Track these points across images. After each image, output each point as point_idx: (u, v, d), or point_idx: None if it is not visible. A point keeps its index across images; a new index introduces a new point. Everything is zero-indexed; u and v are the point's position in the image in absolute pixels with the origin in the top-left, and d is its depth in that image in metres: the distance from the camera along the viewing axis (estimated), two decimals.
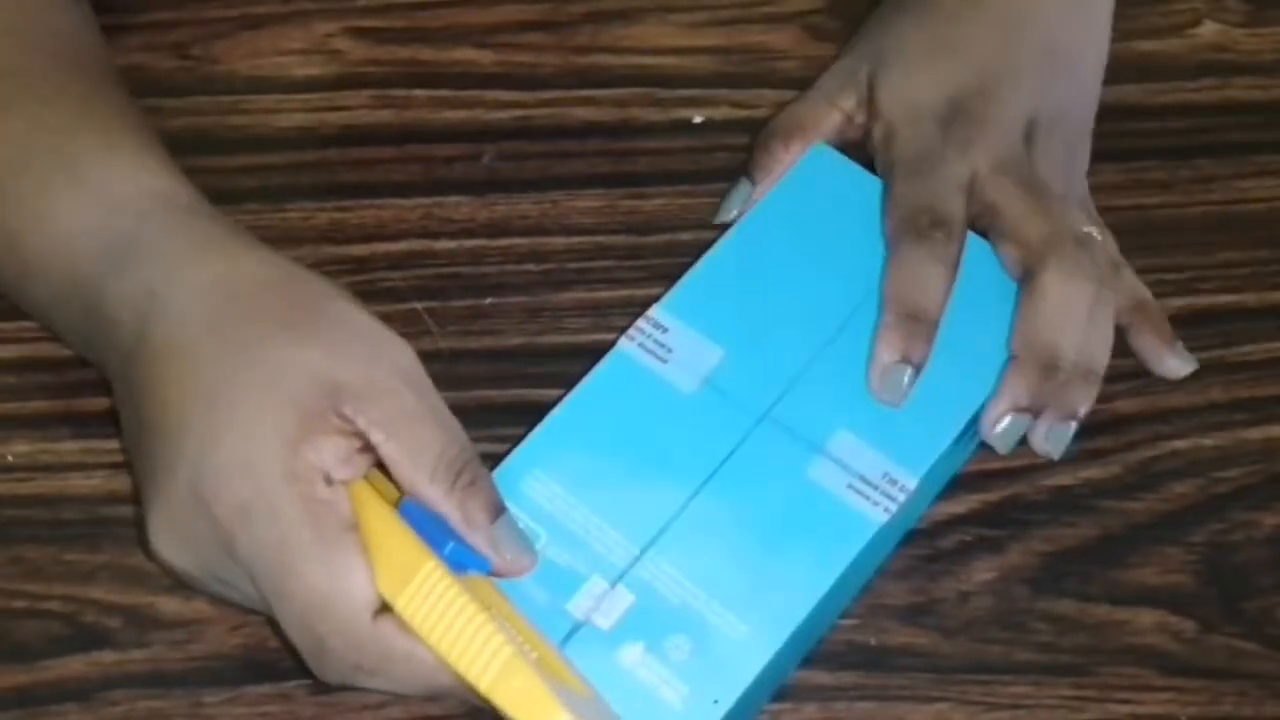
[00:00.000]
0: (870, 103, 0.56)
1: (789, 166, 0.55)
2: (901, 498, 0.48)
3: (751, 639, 0.45)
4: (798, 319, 0.51)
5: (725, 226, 0.55)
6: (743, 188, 0.56)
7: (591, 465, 0.48)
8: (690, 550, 0.47)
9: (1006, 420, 0.50)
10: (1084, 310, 0.51)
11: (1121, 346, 0.57)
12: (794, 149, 0.55)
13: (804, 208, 0.53)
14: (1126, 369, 0.57)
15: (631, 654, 0.45)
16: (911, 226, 0.52)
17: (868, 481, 0.48)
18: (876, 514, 0.48)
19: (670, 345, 0.50)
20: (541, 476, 0.48)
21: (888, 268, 0.51)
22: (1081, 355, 0.51)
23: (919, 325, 0.50)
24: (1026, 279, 0.51)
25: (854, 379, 0.50)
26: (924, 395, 0.50)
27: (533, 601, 0.46)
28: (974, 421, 0.51)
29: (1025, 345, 0.51)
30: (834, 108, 0.56)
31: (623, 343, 0.51)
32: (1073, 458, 0.53)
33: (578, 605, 0.46)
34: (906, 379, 0.50)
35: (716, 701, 0.44)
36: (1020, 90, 0.54)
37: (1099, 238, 0.54)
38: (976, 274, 0.52)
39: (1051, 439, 0.52)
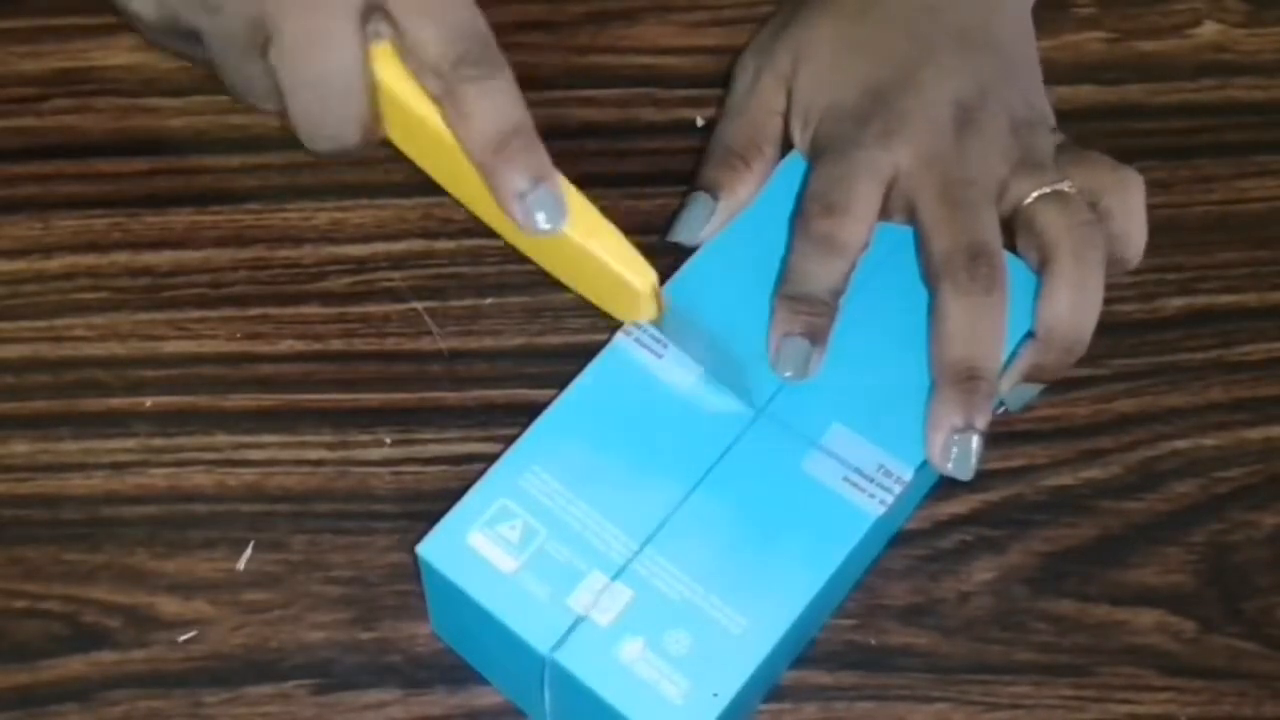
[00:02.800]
0: (789, 103, 0.55)
1: (753, 183, 0.53)
2: (897, 489, 0.48)
3: (750, 632, 0.45)
4: None
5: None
6: (703, 204, 0.52)
7: (588, 460, 0.48)
8: (688, 545, 0.47)
9: (953, 447, 0.48)
10: (988, 321, 0.49)
11: (1118, 347, 0.57)
12: (756, 165, 0.54)
13: (788, 211, 0.53)
14: (1126, 369, 0.57)
15: (631, 649, 0.45)
16: (803, 214, 0.51)
17: (863, 474, 0.48)
18: (872, 506, 0.48)
19: (665, 340, 0.50)
20: (539, 472, 0.48)
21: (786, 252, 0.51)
22: (996, 362, 0.50)
23: (804, 305, 0.49)
24: (930, 294, 0.50)
25: (847, 373, 0.50)
26: (917, 387, 0.50)
27: (533, 596, 0.46)
28: None
29: (940, 368, 0.49)
30: (776, 115, 0.55)
31: (618, 337, 0.51)
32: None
33: (578, 600, 0.46)
34: (802, 352, 0.49)
35: (716, 695, 0.44)
36: (940, 75, 0.53)
37: (1070, 190, 0.51)
38: None
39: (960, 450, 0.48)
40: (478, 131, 0.46)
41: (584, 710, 0.45)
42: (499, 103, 0.46)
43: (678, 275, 0.52)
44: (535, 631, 0.45)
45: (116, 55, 0.63)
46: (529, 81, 0.63)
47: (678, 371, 0.50)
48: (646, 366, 0.50)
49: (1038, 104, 0.55)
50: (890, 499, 0.48)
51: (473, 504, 0.47)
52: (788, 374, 0.49)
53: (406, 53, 0.47)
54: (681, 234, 0.52)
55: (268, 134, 0.61)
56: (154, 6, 0.49)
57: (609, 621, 0.45)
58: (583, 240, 0.48)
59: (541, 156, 0.47)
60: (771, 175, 0.54)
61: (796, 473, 0.48)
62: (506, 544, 0.46)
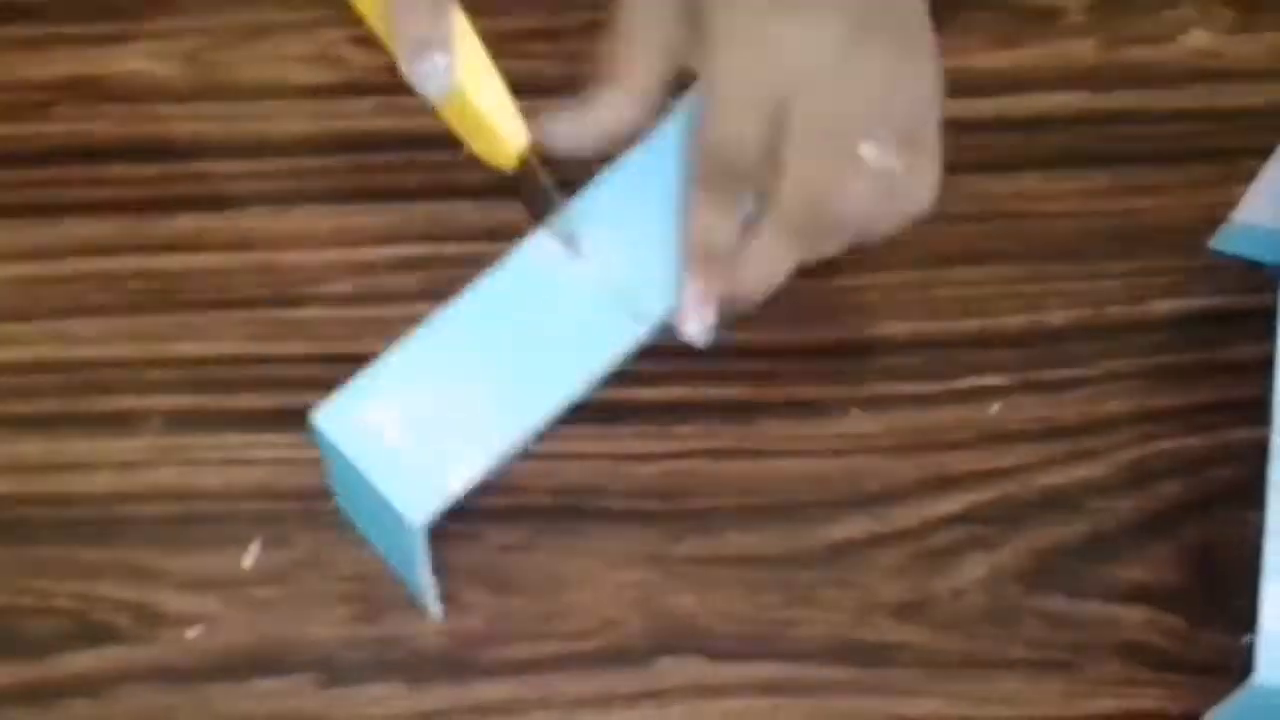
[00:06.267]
0: None
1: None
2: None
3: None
4: None
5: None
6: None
7: (484, 351, 0.50)
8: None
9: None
10: None
11: (1108, 349, 0.58)
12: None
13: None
14: (1120, 370, 0.58)
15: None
16: None
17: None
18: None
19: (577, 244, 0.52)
20: (435, 355, 0.50)
21: None
22: None
23: None
24: None
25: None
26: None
27: (411, 469, 0.47)
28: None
29: None
30: None
31: (533, 235, 0.52)
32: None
33: (453, 479, 0.48)
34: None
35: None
36: None
37: None
38: None
39: None
40: None
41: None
42: None
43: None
44: (409, 503, 0.47)
45: (125, 62, 0.64)
46: (530, 89, 0.64)
47: (583, 276, 0.51)
48: (555, 267, 0.51)
49: None
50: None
51: (367, 380, 0.49)
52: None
53: None
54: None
55: (274, 140, 0.62)
56: None
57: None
58: (471, 93, 0.52)
59: (444, 23, 0.50)
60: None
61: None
62: (395, 419, 0.48)
